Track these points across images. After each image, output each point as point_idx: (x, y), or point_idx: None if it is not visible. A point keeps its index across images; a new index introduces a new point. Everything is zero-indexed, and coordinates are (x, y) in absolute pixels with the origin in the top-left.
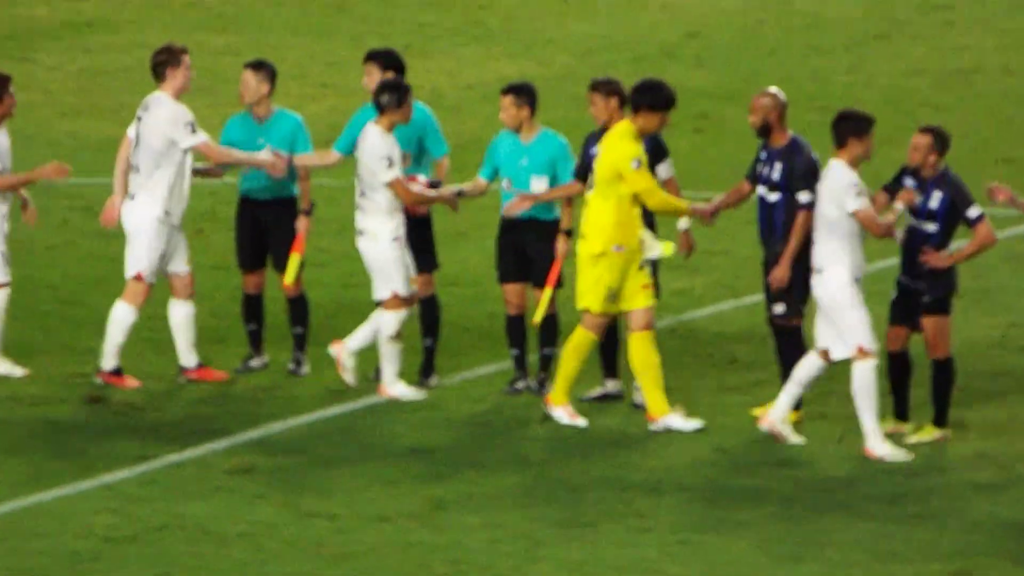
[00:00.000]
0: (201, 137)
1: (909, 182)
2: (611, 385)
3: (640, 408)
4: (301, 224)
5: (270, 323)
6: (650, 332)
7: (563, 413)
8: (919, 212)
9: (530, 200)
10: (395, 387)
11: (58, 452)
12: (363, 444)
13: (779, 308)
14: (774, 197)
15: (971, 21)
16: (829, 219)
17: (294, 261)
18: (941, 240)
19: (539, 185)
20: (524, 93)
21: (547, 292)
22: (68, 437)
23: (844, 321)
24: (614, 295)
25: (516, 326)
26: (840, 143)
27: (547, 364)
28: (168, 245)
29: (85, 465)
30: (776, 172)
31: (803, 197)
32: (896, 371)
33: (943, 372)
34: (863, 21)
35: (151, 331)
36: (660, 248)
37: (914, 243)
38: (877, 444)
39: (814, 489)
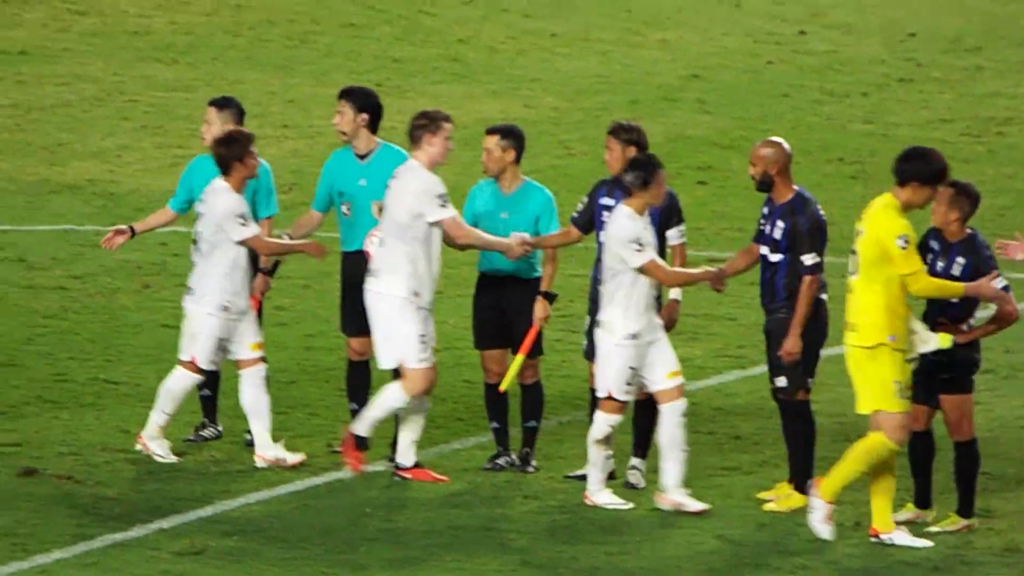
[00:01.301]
0: (450, 212)
1: (933, 244)
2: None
3: (633, 488)
4: (258, 283)
5: (224, 388)
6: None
7: (822, 514)
8: (940, 277)
9: (529, 245)
10: (601, 496)
11: None
12: (325, 525)
13: (781, 381)
14: (776, 258)
15: (1003, 65)
16: None
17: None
18: (962, 312)
19: None
20: (511, 136)
21: (518, 359)
22: None
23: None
24: (904, 388)
25: (496, 396)
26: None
27: (531, 438)
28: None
29: (17, 544)
30: (778, 231)
31: (807, 259)
32: (917, 453)
33: (967, 455)
34: (883, 63)
35: (94, 396)
36: (936, 340)
37: (932, 313)
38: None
39: None
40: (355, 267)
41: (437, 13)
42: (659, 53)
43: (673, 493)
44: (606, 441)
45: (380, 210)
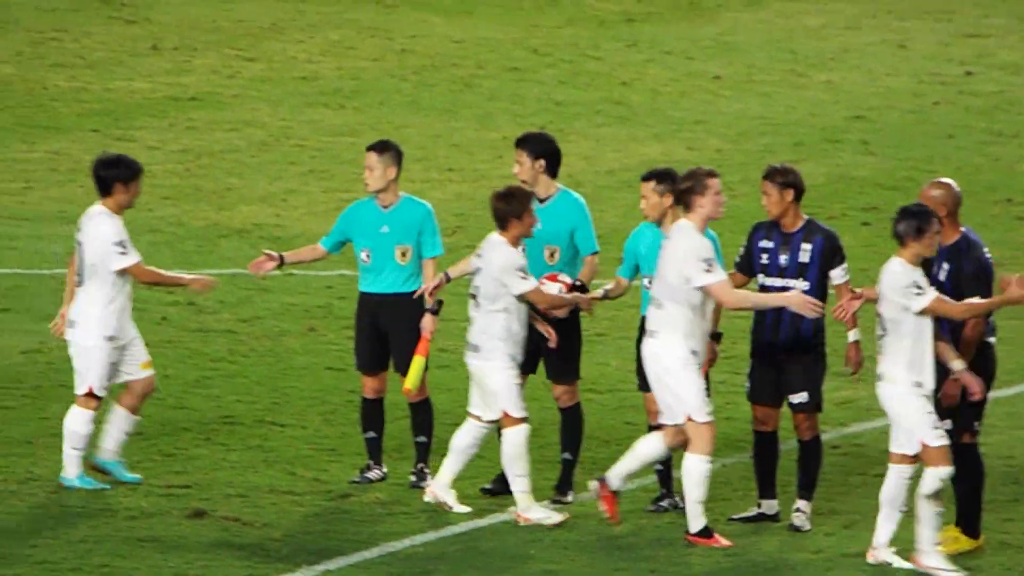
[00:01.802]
0: (719, 276)
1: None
2: (766, 505)
3: (798, 530)
4: (427, 323)
5: (389, 431)
6: None
7: None
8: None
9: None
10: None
11: (158, 571)
12: (489, 566)
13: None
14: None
15: None
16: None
17: (417, 364)
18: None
19: None
20: (667, 179)
21: None
22: (169, 555)
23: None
24: None
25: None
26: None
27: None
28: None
29: None
30: (943, 273)
31: (972, 301)
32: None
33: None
34: None
35: (261, 438)
36: None
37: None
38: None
39: None
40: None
41: (601, 56)
42: (823, 94)
43: (881, 552)
44: (937, 496)
45: (551, 254)
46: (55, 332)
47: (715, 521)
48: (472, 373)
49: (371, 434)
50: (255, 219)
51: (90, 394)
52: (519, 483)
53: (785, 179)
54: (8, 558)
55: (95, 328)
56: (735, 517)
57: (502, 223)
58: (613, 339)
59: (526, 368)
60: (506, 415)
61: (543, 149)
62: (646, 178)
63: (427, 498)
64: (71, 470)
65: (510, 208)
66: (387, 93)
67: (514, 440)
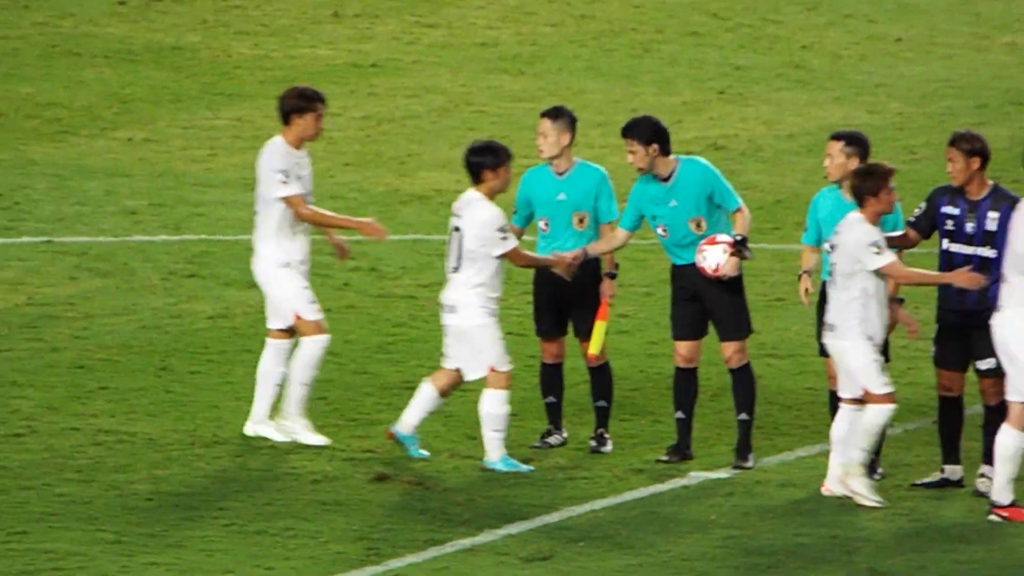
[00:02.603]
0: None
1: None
2: (950, 470)
3: (982, 496)
4: (606, 288)
5: (569, 396)
6: None
7: None
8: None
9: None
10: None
11: (342, 534)
12: (670, 531)
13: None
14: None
15: None
16: None
17: (599, 329)
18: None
19: None
20: (856, 143)
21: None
22: (353, 518)
23: None
24: None
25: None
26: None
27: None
28: None
29: (371, 548)
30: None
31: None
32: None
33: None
34: None
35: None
36: None
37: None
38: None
39: None
40: (689, 277)
41: (781, 20)
42: (1007, 57)
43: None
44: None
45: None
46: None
47: (897, 487)
48: (831, 354)
49: (551, 399)
50: (435, 185)
51: (495, 371)
52: (858, 455)
53: (972, 146)
54: (196, 521)
55: (478, 310)
56: (919, 483)
57: (859, 200)
58: (793, 304)
59: (694, 333)
60: (867, 393)
61: (651, 134)
62: (835, 137)
63: (830, 491)
64: (493, 454)
65: (866, 186)
66: (566, 59)
67: (875, 420)
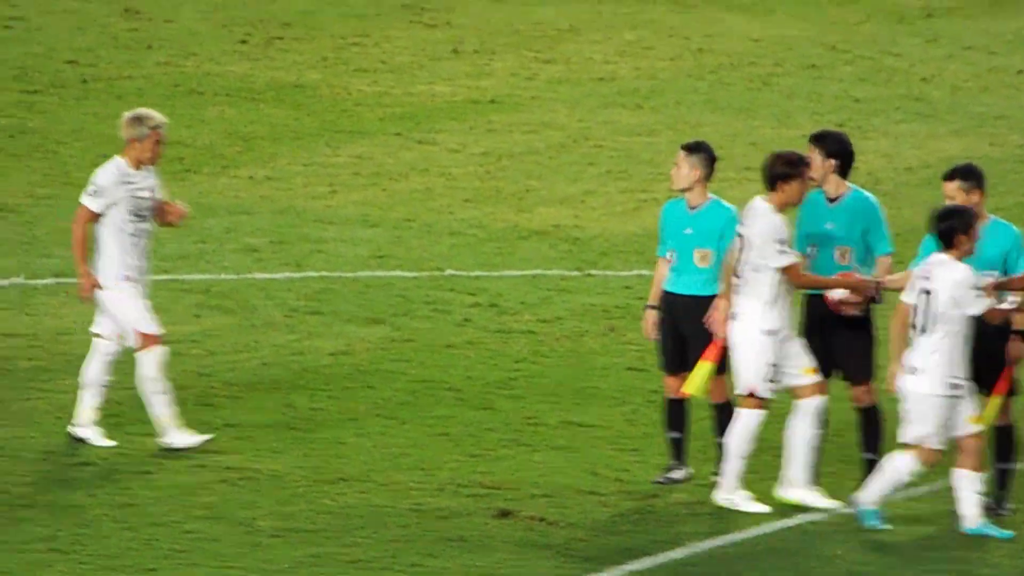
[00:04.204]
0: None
1: None
2: None
3: None
4: (718, 328)
5: (693, 431)
6: None
7: None
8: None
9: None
10: None
11: (466, 570)
12: (796, 566)
13: None
14: None
15: None
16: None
17: (702, 368)
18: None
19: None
20: (973, 178)
21: (994, 401)
22: (477, 554)
23: None
24: None
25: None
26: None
27: (1004, 480)
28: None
29: None
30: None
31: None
32: None
33: None
34: None
35: (566, 439)
36: None
37: None
38: None
39: None
40: (816, 309)
41: (900, 53)
42: None
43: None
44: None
45: (842, 254)
46: None
47: None
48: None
49: (675, 434)
50: (554, 220)
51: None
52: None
53: None
54: (321, 557)
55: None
56: None
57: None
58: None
59: (821, 372)
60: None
61: (837, 149)
62: (948, 177)
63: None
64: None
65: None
66: (684, 92)
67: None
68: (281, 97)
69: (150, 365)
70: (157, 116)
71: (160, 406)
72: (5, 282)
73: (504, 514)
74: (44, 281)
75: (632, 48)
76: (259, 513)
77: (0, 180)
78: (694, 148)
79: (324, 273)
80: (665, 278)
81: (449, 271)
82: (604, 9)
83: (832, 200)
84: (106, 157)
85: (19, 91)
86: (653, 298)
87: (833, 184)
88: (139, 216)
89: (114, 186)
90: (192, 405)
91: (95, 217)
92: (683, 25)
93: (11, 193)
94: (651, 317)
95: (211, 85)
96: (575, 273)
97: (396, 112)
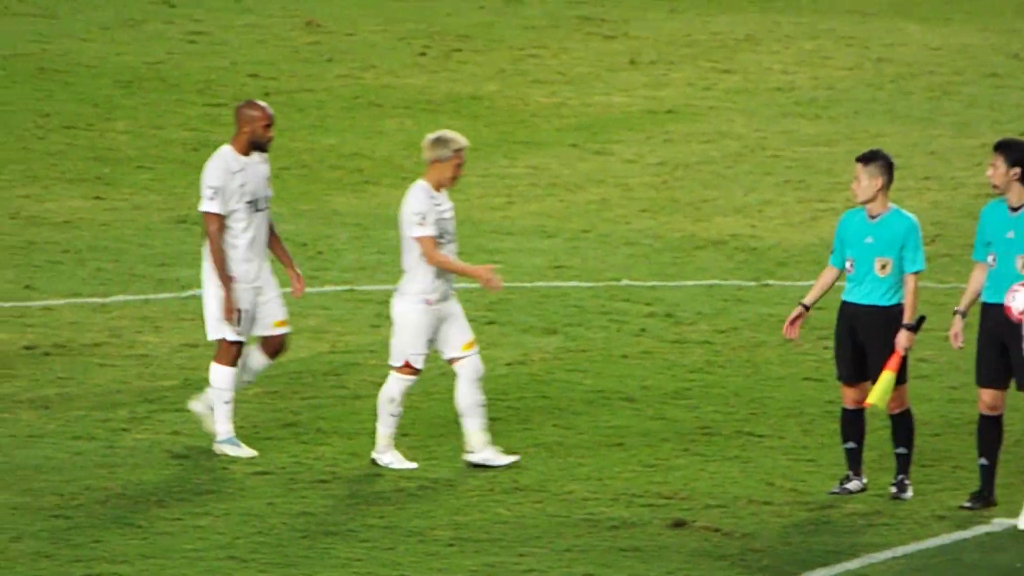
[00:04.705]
0: None
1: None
2: None
3: None
4: (901, 339)
5: (869, 441)
6: None
7: None
8: None
9: None
10: None
11: None
12: None
13: None
14: None
15: None
16: None
17: (884, 379)
18: None
19: None
20: (1012, 148)
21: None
22: (651, 564)
23: None
24: None
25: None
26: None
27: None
28: None
29: None
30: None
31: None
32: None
33: None
34: None
35: (739, 448)
36: None
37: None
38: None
39: None
40: (995, 319)
41: None
42: None
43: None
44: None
45: None
46: None
47: None
48: None
49: (851, 444)
50: (731, 230)
51: None
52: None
53: None
54: (495, 567)
55: None
56: None
57: None
58: None
59: (998, 381)
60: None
61: (1020, 157)
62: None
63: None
64: None
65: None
66: (863, 102)
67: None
68: (459, 109)
69: (470, 380)
70: (460, 139)
71: (475, 421)
72: (190, 293)
73: (678, 524)
74: None
75: (810, 57)
76: (434, 523)
77: (184, 192)
78: (870, 158)
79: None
80: (844, 288)
81: (625, 281)
82: (782, 19)
83: (1015, 209)
84: (286, 170)
85: (203, 104)
86: (811, 298)
87: (1016, 193)
88: (444, 237)
89: (429, 210)
90: (369, 415)
91: (437, 243)
92: (862, 34)
93: (194, 205)
94: (798, 312)
95: (390, 97)
96: (752, 283)
97: (573, 123)
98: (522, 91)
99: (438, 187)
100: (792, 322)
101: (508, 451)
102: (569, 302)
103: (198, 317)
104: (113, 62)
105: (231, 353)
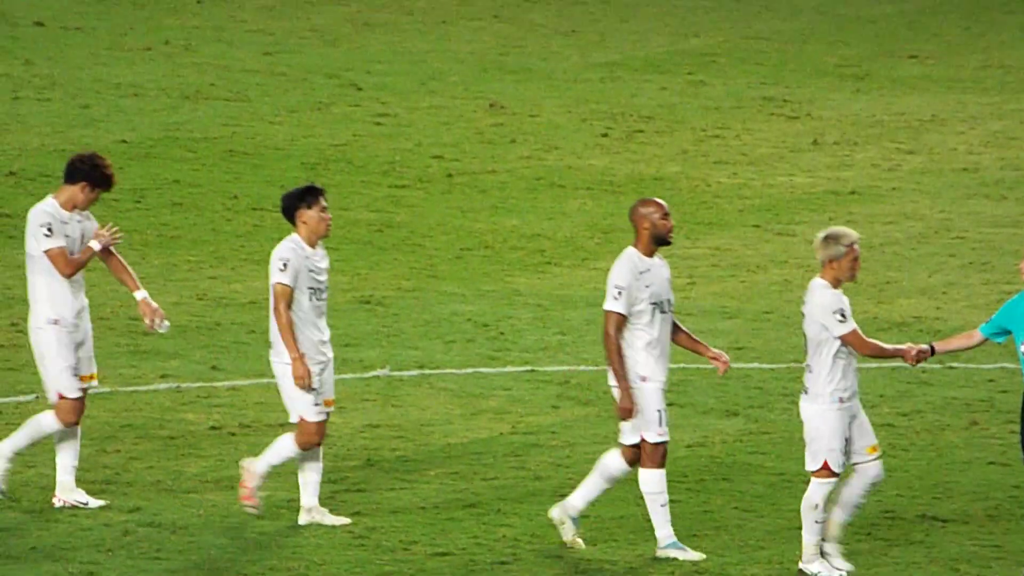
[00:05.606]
0: None
1: None
2: None
3: None
4: None
5: None
6: None
7: None
8: None
9: None
10: None
11: None
12: None
13: None
14: None
15: None
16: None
17: None
18: None
19: None
20: None
21: None
22: None
23: None
24: None
25: None
26: None
27: None
28: None
29: None
30: None
31: None
32: None
33: None
34: None
35: (922, 535)
36: None
37: None
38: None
39: None
40: None
41: None
42: None
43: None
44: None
45: None
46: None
47: None
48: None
49: None
50: (914, 312)
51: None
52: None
53: None
54: None
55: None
56: None
57: None
58: None
59: None
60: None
61: None
62: None
63: None
64: None
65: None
66: None
67: None
68: (641, 190)
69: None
70: (851, 233)
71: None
72: (371, 374)
73: None
74: (409, 373)
75: (997, 138)
76: None
77: (368, 273)
78: None
79: (683, 365)
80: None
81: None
82: (968, 99)
83: None
84: (468, 251)
85: (388, 186)
86: (942, 346)
87: None
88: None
89: (846, 306)
90: (551, 496)
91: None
92: None
93: (378, 286)
94: (925, 348)
95: (572, 178)
96: (936, 366)
97: (755, 204)
98: (704, 172)
99: (836, 284)
100: (917, 353)
101: (686, 533)
102: (751, 383)
103: (380, 398)
104: (301, 144)
105: (658, 453)
